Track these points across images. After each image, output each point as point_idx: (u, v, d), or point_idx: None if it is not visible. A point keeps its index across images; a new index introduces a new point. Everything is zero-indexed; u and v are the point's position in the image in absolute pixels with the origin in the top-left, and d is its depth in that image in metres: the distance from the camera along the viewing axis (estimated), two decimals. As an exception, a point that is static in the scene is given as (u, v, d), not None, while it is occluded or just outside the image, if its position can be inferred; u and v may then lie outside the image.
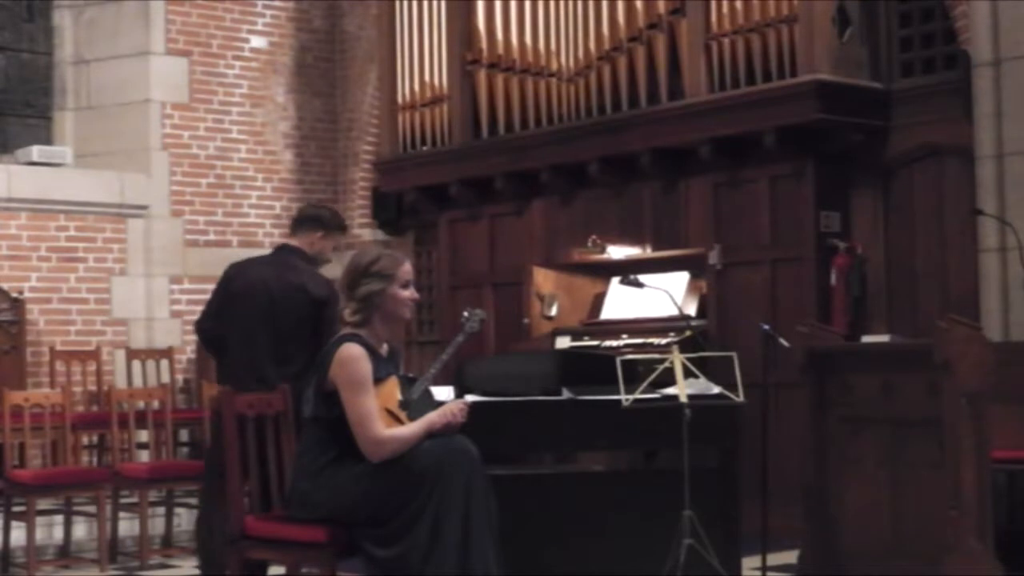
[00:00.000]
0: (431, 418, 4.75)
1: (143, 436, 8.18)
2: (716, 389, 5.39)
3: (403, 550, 4.61)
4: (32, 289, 9.85)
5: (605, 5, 8.70)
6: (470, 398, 5.35)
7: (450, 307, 9.93)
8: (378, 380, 4.77)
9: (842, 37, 7.75)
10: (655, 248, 8.73)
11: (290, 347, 5.85)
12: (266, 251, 6.61)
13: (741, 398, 5.25)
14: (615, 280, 8.47)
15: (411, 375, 5.00)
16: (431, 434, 4.73)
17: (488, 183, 9.62)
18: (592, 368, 5.61)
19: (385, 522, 4.65)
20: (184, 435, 9.56)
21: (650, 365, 5.40)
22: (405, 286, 4.89)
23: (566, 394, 5.39)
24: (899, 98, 7.87)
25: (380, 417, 4.71)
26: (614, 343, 8.37)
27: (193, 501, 8.01)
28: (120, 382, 9.73)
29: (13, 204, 9.85)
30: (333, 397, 4.73)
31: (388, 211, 10.97)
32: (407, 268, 4.93)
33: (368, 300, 4.82)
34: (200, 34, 10.75)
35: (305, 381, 4.95)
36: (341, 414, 4.72)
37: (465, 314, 5.24)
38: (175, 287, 10.50)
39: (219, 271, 6.26)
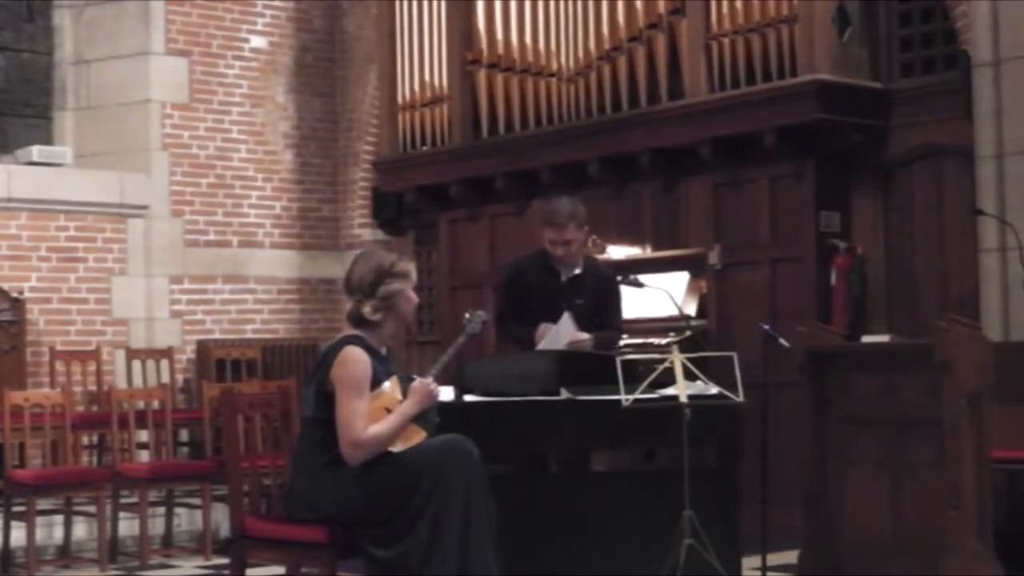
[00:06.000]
0: (404, 409, 4.77)
1: (143, 436, 8.17)
2: (716, 389, 5.39)
3: (403, 550, 4.62)
4: (32, 289, 9.85)
5: (605, 5, 8.70)
6: (470, 398, 5.36)
7: (450, 307, 9.93)
8: (379, 382, 4.78)
9: (842, 37, 7.75)
10: (655, 248, 8.72)
11: None
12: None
13: (741, 398, 5.25)
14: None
15: (411, 375, 5.00)
16: (426, 429, 4.74)
17: (488, 183, 9.62)
18: (592, 368, 5.60)
19: (385, 522, 4.66)
20: (184, 435, 9.56)
21: (650, 365, 5.39)
22: (414, 289, 4.99)
23: (565, 394, 5.39)
24: (899, 98, 7.87)
25: (376, 417, 4.72)
26: (614, 343, 8.36)
27: (194, 501, 8.02)
28: (120, 382, 9.73)
29: (13, 204, 9.85)
30: (333, 398, 4.74)
31: (388, 211, 10.97)
32: (415, 272, 5.05)
33: (389, 299, 4.88)
34: (200, 34, 10.76)
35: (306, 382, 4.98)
36: (340, 414, 4.73)
37: (467, 315, 5.25)
38: (175, 287, 10.50)
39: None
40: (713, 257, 8.28)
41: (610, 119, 8.68)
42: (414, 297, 5.01)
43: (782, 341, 6.02)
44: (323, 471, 4.74)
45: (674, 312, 6.96)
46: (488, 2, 9.49)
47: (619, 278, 6.38)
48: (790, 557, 6.20)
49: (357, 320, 4.89)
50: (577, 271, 6.27)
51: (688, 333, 7.37)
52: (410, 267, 5.00)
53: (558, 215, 6.23)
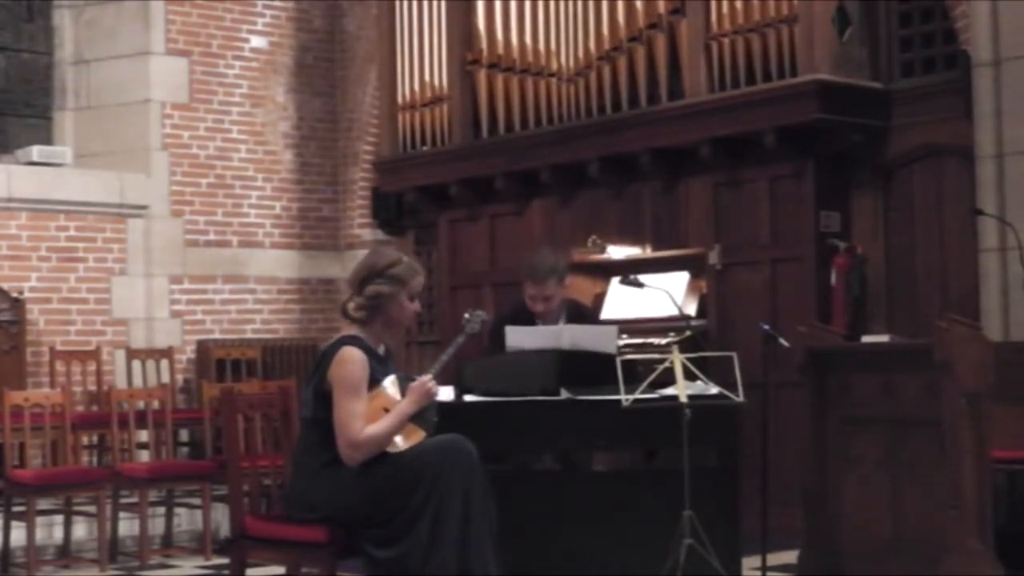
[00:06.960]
0: (401, 408, 4.76)
1: (143, 436, 8.17)
2: (716, 389, 5.39)
3: (403, 551, 4.62)
4: (32, 289, 9.85)
5: (605, 5, 8.70)
6: (470, 398, 5.36)
7: (450, 307, 9.92)
8: (376, 382, 4.78)
9: (842, 37, 7.75)
10: (655, 248, 8.73)
11: None
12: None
13: (741, 398, 5.25)
14: (615, 280, 8.46)
15: (410, 375, 4.99)
16: (425, 428, 4.74)
17: (488, 183, 9.62)
18: (592, 368, 5.60)
19: (385, 523, 4.66)
20: (184, 435, 9.56)
21: (650, 365, 5.40)
22: (412, 298, 4.91)
23: (565, 394, 5.38)
24: (899, 98, 7.87)
25: (374, 418, 4.71)
26: (614, 343, 8.35)
27: (194, 501, 8.02)
28: (120, 382, 9.73)
29: (13, 204, 9.85)
30: (330, 398, 4.73)
31: (388, 211, 10.97)
32: (420, 280, 4.95)
33: (374, 300, 4.83)
34: (200, 34, 10.76)
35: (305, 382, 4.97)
36: (338, 414, 4.73)
37: (466, 315, 5.24)
38: (175, 287, 10.50)
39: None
40: (713, 257, 8.27)
41: (610, 119, 8.68)
42: (409, 305, 4.90)
43: (782, 341, 6.02)
44: (322, 471, 4.74)
45: (674, 312, 6.96)
46: (488, 2, 9.49)
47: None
48: (790, 557, 6.20)
49: (343, 314, 4.88)
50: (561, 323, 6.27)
51: (688, 333, 7.36)
52: (407, 273, 4.88)
53: (538, 271, 6.29)
